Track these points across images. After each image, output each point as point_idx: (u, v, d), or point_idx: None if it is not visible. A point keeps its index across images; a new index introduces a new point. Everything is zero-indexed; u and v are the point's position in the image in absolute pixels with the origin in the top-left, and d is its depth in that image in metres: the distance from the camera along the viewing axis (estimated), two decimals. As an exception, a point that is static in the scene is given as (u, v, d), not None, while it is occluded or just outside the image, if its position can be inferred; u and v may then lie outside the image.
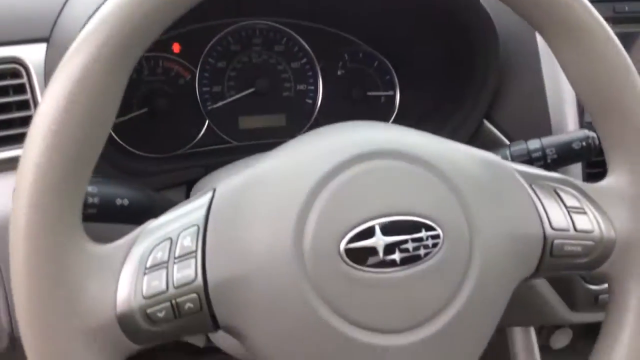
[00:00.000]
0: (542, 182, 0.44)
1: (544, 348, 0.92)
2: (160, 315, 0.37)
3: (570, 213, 0.44)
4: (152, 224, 0.39)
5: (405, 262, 0.38)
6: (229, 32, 0.75)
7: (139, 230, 0.39)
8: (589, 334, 0.76)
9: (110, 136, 0.70)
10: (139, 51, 0.38)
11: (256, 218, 0.38)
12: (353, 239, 0.37)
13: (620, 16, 0.66)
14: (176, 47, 0.74)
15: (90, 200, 0.47)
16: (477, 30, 0.64)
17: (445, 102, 0.74)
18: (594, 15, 0.43)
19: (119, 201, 0.48)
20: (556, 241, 0.43)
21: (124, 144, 0.70)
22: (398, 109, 0.80)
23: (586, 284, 0.70)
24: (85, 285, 0.36)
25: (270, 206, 0.38)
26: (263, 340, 0.38)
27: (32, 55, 0.60)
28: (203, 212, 0.39)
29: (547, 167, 0.55)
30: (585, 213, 0.44)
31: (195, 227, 0.38)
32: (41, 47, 0.61)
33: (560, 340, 0.92)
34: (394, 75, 0.80)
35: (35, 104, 0.59)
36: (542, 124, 0.65)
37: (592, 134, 0.56)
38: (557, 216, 0.43)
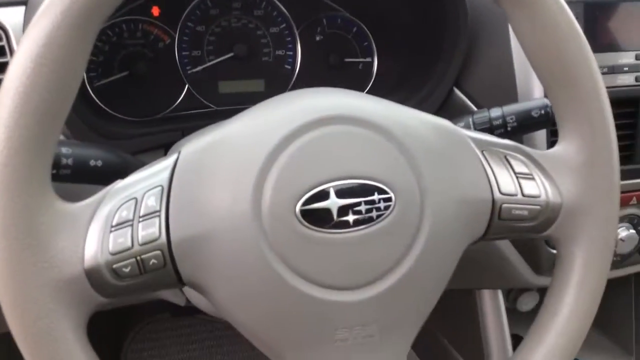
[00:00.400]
0: (493, 148, 0.46)
1: (512, 311, 0.96)
2: (126, 270, 0.39)
3: (519, 178, 0.46)
4: (119, 184, 0.41)
5: (358, 223, 0.40)
6: None
7: (106, 190, 0.41)
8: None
9: (92, 99, 0.71)
10: (102, 16, 0.39)
11: (217, 180, 0.40)
12: (308, 201, 0.39)
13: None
14: (155, 11, 0.74)
15: (64, 161, 0.48)
16: (448, 2, 0.65)
17: (418, 70, 0.75)
18: None
19: (92, 162, 0.50)
20: (504, 205, 0.45)
21: (104, 107, 0.72)
22: (375, 76, 0.82)
23: (550, 249, 0.72)
24: (54, 241, 0.38)
25: (231, 169, 0.40)
26: (224, 295, 0.41)
27: (11, 18, 0.61)
28: (167, 173, 0.40)
29: (508, 134, 0.56)
30: (533, 179, 0.46)
31: (160, 188, 0.40)
32: (19, 10, 0.62)
33: (527, 303, 0.95)
34: (372, 42, 0.81)
35: None
36: (509, 93, 0.66)
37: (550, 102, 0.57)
38: (506, 181, 0.45)
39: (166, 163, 0.41)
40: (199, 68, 0.76)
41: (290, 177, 0.40)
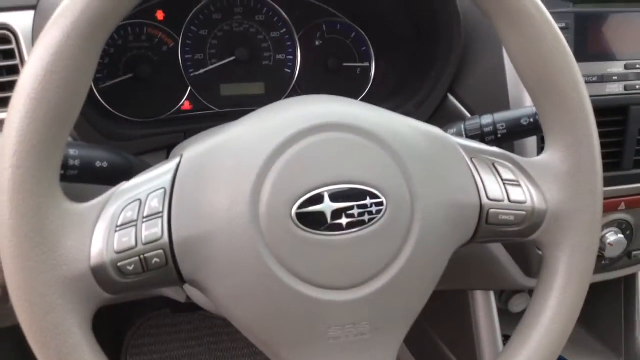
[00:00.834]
0: (482, 155, 0.48)
1: (503, 312, 0.97)
2: (130, 268, 0.41)
3: (506, 185, 0.48)
4: (124, 186, 0.43)
5: (350, 226, 0.42)
6: (211, 1, 0.78)
7: (111, 191, 0.43)
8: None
9: (97, 100, 0.73)
10: (111, 25, 0.41)
11: (217, 183, 0.42)
12: (304, 204, 0.41)
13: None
14: (160, 15, 0.76)
15: (71, 162, 0.50)
16: (442, 11, 0.67)
17: (413, 76, 0.77)
18: (534, 1, 0.46)
19: (98, 164, 0.52)
20: (491, 210, 0.47)
21: (110, 108, 0.74)
22: (372, 81, 0.83)
23: (540, 252, 0.74)
24: (62, 240, 0.40)
25: (230, 173, 0.42)
26: (222, 293, 0.42)
27: (21, 21, 0.63)
28: (170, 176, 0.42)
29: (498, 141, 0.58)
30: (519, 185, 0.48)
31: (163, 190, 0.42)
32: (29, 14, 0.63)
33: (519, 304, 0.97)
34: (370, 47, 0.83)
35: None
36: (501, 100, 0.68)
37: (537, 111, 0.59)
38: (493, 187, 0.47)
39: (169, 166, 0.43)
40: (202, 71, 0.78)
41: (286, 182, 0.42)
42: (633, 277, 0.97)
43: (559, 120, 0.48)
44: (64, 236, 0.40)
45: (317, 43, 0.82)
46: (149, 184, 0.43)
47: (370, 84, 0.84)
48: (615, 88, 0.71)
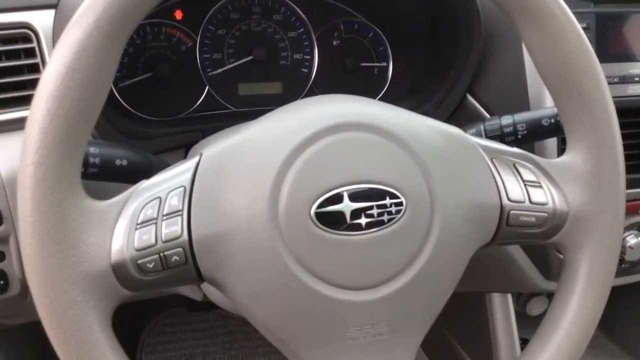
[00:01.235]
0: (502, 156, 0.48)
1: (521, 314, 0.96)
2: (150, 266, 0.41)
3: (527, 186, 0.47)
4: (144, 184, 0.43)
5: (370, 226, 0.42)
6: (229, 1, 0.78)
7: (132, 189, 0.43)
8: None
9: (116, 99, 0.74)
10: (132, 24, 0.41)
11: (237, 181, 0.42)
12: (323, 204, 0.41)
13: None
14: (178, 14, 0.77)
15: (92, 160, 0.51)
16: (462, 10, 0.67)
17: (432, 76, 0.76)
18: (556, 0, 0.46)
19: (118, 162, 0.52)
20: (512, 212, 0.46)
21: (128, 107, 0.74)
22: (390, 81, 0.83)
23: (560, 255, 0.73)
24: (83, 237, 0.40)
25: (250, 171, 0.42)
26: (241, 291, 0.43)
27: (42, 20, 0.63)
28: (190, 174, 0.43)
29: (518, 142, 0.57)
30: (540, 187, 0.48)
31: (182, 188, 0.42)
32: (50, 13, 0.64)
33: (537, 307, 0.96)
34: (388, 47, 0.83)
35: (45, 67, 0.63)
36: (521, 101, 0.67)
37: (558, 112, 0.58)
38: (514, 188, 0.47)
39: (189, 165, 0.43)
40: (219, 70, 0.78)
41: (305, 181, 0.42)
42: (653, 281, 0.96)
43: (581, 121, 0.48)
44: (85, 233, 0.40)
45: (334, 43, 0.82)
46: (169, 182, 0.43)
47: (387, 83, 0.83)
48: (637, 89, 0.71)
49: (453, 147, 0.46)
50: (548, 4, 0.45)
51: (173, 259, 0.41)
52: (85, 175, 0.51)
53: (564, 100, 0.48)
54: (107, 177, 0.52)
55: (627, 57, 0.71)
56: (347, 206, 0.41)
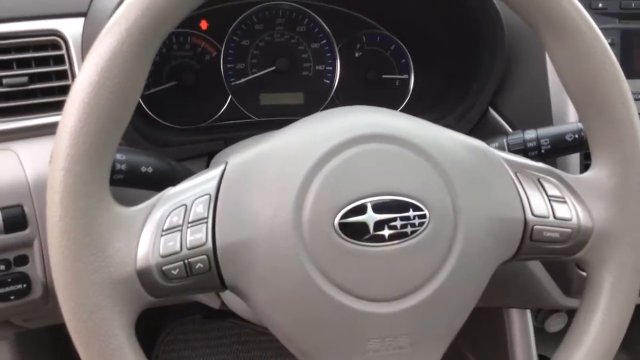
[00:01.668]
0: (527, 171, 0.48)
1: (540, 331, 0.95)
2: (174, 272, 0.41)
3: (551, 201, 0.47)
4: (170, 191, 0.44)
5: (393, 238, 0.42)
6: (253, 12, 0.79)
7: (158, 196, 0.43)
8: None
9: (140, 107, 0.75)
10: (164, 33, 0.42)
11: (262, 190, 0.42)
12: (347, 214, 0.41)
13: (628, 12, 0.67)
14: (204, 24, 0.78)
15: (118, 166, 0.51)
16: (485, 23, 0.67)
17: (454, 89, 0.77)
18: (583, 16, 0.46)
19: (143, 169, 0.53)
20: (536, 227, 0.46)
21: (152, 114, 0.75)
22: (411, 93, 0.83)
23: (580, 271, 0.72)
24: (110, 242, 0.41)
25: (275, 180, 0.42)
26: (263, 299, 0.43)
27: (71, 28, 0.65)
28: (215, 182, 0.43)
29: (541, 157, 0.57)
30: (565, 202, 0.47)
31: (208, 196, 0.43)
32: (79, 22, 0.65)
33: (556, 324, 0.94)
34: (410, 59, 0.83)
35: (73, 74, 0.64)
36: (544, 115, 0.67)
37: (583, 127, 0.58)
38: (538, 203, 0.46)
39: (214, 173, 0.44)
40: (242, 80, 0.79)
41: (330, 191, 0.42)
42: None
43: (607, 137, 0.47)
44: (113, 238, 0.41)
45: (356, 54, 0.83)
46: (195, 189, 0.43)
47: (409, 96, 0.84)
48: (663, 105, 0.70)
49: (477, 160, 0.46)
50: (575, 20, 0.45)
51: (197, 266, 0.42)
52: (111, 182, 0.51)
53: (589, 115, 0.48)
54: (132, 183, 0.53)
55: (652, 73, 0.70)
56: (370, 217, 0.42)
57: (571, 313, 0.97)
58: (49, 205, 0.40)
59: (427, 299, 0.43)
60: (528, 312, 0.93)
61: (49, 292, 0.64)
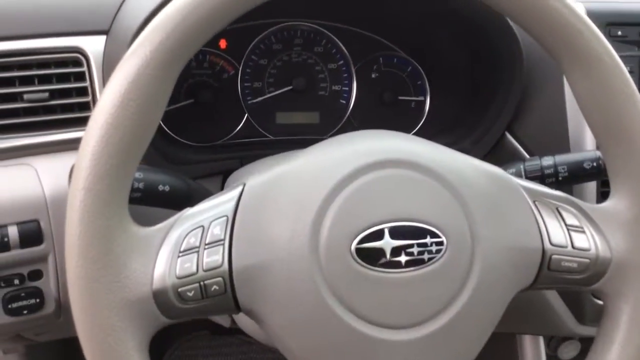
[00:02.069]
0: (546, 199, 0.47)
1: (552, 358, 0.94)
2: (190, 294, 0.41)
3: (570, 231, 0.47)
4: (188, 212, 0.44)
5: (409, 264, 0.42)
6: (272, 32, 0.80)
7: (176, 216, 0.43)
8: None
9: (158, 124, 0.75)
10: (187, 57, 0.42)
11: (279, 213, 0.42)
12: (364, 240, 0.41)
13: None
14: (223, 44, 0.79)
15: (136, 185, 0.52)
16: (504, 48, 0.67)
17: (470, 113, 0.76)
18: (604, 45, 0.45)
19: (160, 187, 0.53)
20: (554, 256, 0.46)
21: (169, 132, 0.76)
22: (426, 115, 0.83)
23: (595, 299, 0.72)
24: (127, 263, 0.41)
25: (292, 204, 0.42)
26: (278, 324, 0.43)
27: (93, 46, 0.65)
28: (233, 204, 0.43)
29: (559, 184, 0.57)
30: (583, 232, 0.47)
31: (225, 218, 0.43)
32: (101, 39, 0.66)
33: (569, 351, 0.93)
34: (426, 81, 0.83)
35: (93, 91, 0.65)
36: (561, 141, 0.67)
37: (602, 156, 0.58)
38: (557, 233, 0.46)
39: (232, 194, 0.44)
40: (259, 99, 0.80)
41: (347, 216, 0.42)
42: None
43: (627, 166, 0.47)
44: (129, 259, 0.41)
45: (373, 75, 0.83)
46: (212, 210, 0.43)
47: (424, 118, 0.84)
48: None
49: (496, 187, 0.46)
50: (596, 49, 0.45)
51: (212, 289, 0.42)
52: (129, 200, 0.52)
53: (609, 144, 0.48)
54: (149, 201, 0.53)
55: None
56: (387, 243, 0.41)
57: (584, 341, 0.96)
58: (68, 224, 0.40)
59: (443, 327, 0.42)
60: (541, 339, 0.91)
61: (61, 308, 0.64)
